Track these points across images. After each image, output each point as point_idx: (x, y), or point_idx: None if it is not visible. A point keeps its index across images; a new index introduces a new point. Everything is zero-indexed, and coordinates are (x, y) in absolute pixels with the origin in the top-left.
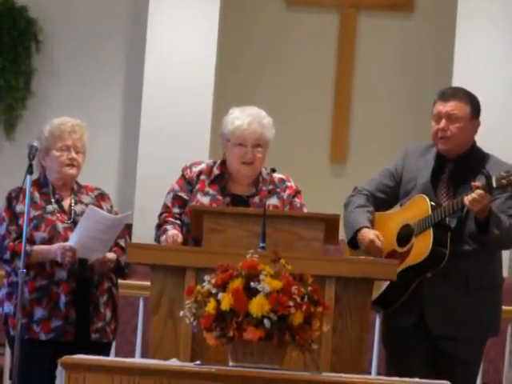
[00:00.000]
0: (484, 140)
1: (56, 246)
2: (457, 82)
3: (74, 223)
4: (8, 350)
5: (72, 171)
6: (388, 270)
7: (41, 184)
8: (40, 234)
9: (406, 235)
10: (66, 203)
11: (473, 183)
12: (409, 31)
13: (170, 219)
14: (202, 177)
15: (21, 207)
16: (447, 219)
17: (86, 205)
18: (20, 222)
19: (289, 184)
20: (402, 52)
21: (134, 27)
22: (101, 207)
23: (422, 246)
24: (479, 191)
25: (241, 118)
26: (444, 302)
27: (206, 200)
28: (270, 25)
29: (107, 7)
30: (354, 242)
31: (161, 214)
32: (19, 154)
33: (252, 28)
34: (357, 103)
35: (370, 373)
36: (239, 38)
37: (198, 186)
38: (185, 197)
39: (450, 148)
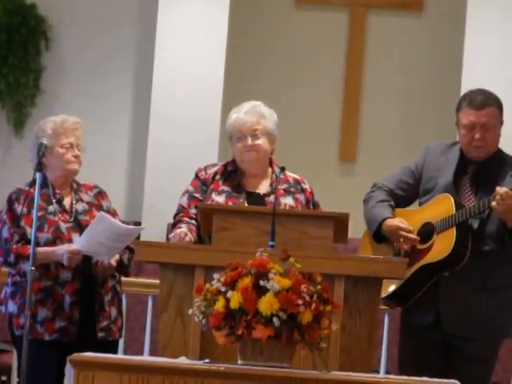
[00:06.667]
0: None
1: (62, 250)
2: (466, 79)
3: (76, 222)
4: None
5: (76, 166)
6: (397, 269)
7: (40, 184)
8: (44, 235)
9: (427, 233)
10: (66, 202)
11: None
12: (418, 30)
13: (186, 219)
14: (217, 177)
15: (22, 209)
16: (469, 220)
17: (87, 203)
18: (22, 224)
19: (304, 186)
20: (411, 50)
21: (144, 22)
22: (101, 205)
23: (443, 245)
24: (506, 190)
25: (237, 110)
26: (460, 301)
27: (221, 198)
28: (279, 24)
29: (116, 3)
30: (378, 235)
31: (176, 215)
32: (28, 152)
33: (261, 27)
34: (366, 102)
35: (378, 371)
36: (249, 36)
37: (212, 186)
38: (200, 198)
39: (485, 155)
